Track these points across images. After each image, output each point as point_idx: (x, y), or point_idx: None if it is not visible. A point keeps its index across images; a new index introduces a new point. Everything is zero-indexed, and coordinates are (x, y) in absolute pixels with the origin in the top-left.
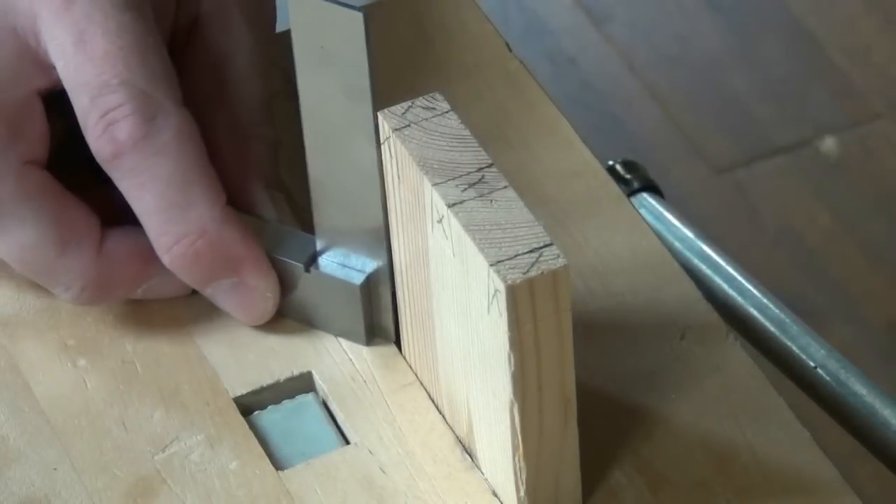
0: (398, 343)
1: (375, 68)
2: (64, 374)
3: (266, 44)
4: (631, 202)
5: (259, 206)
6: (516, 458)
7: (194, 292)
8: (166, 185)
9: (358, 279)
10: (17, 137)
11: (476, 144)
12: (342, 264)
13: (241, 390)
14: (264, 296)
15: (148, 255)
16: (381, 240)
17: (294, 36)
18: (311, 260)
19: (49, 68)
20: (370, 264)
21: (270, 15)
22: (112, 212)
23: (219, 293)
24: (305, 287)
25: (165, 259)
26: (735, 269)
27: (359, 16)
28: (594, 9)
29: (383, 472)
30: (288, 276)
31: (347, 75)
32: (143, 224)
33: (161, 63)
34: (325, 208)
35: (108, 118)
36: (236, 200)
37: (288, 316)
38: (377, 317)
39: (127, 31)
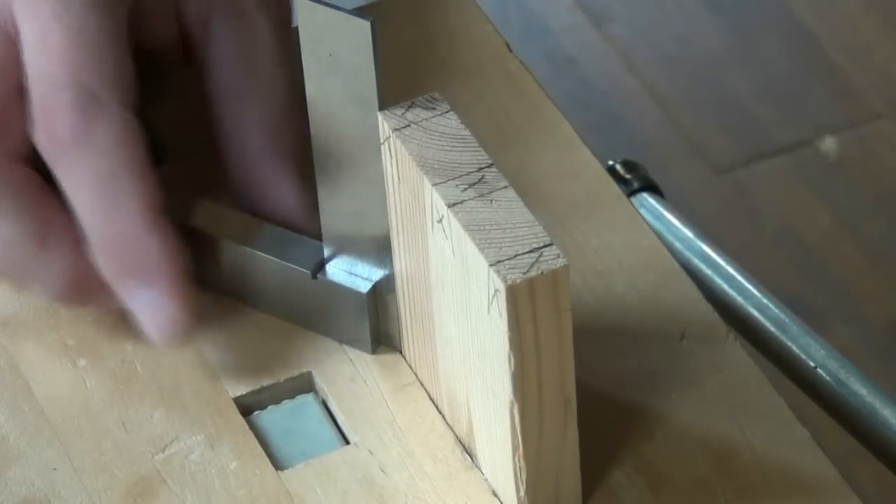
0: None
1: (382, 77)
2: (64, 374)
3: (286, 34)
4: (631, 202)
5: (291, 199)
6: (516, 458)
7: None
8: (98, 184)
9: (364, 287)
10: (2, 134)
11: (476, 144)
12: (349, 272)
13: (241, 390)
14: (172, 317)
15: None
16: (389, 248)
17: (302, 44)
18: (319, 267)
19: None
20: (377, 272)
21: (288, 4)
22: None
23: (132, 301)
24: (312, 294)
25: (95, 258)
26: (735, 269)
27: (367, 25)
28: (594, 9)
29: (383, 472)
30: (295, 283)
31: (355, 83)
32: (79, 221)
33: (118, 65)
34: (332, 215)
35: (50, 112)
36: (267, 193)
37: (294, 322)
38: (383, 325)
39: (89, 29)
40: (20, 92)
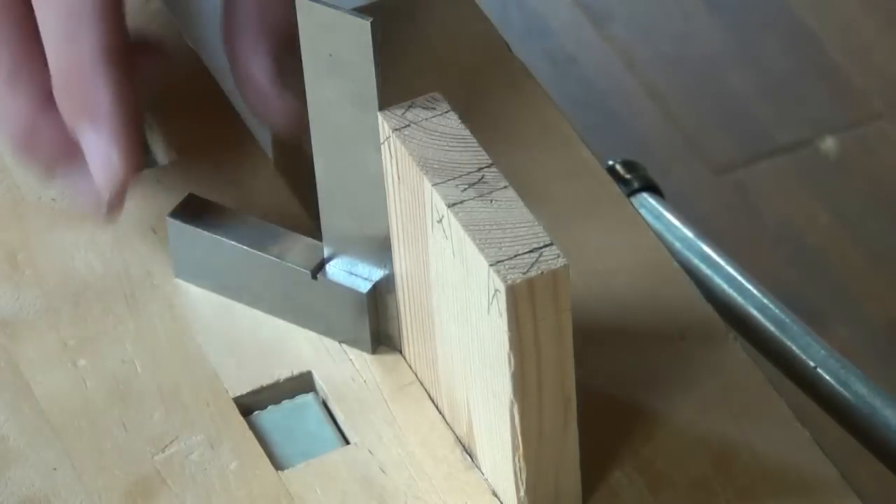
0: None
1: (382, 77)
2: (64, 374)
3: None
4: (631, 202)
5: (263, 67)
6: (516, 458)
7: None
8: (62, 15)
9: (364, 287)
10: None
11: (476, 144)
12: (349, 272)
13: (241, 390)
14: (110, 161)
15: None
16: (389, 248)
17: (302, 43)
18: (319, 267)
19: None
20: (377, 272)
21: None
22: None
23: (83, 142)
24: (312, 294)
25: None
26: (735, 269)
27: (366, 24)
28: (594, 8)
29: (383, 472)
30: (295, 283)
31: (355, 83)
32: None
33: None
34: (332, 215)
35: None
36: (240, 60)
37: (294, 322)
38: (383, 325)
39: None
40: None
